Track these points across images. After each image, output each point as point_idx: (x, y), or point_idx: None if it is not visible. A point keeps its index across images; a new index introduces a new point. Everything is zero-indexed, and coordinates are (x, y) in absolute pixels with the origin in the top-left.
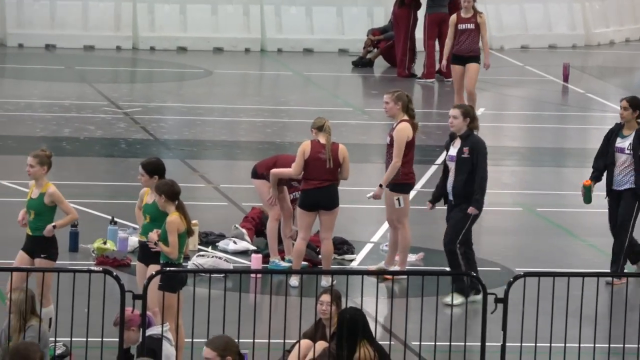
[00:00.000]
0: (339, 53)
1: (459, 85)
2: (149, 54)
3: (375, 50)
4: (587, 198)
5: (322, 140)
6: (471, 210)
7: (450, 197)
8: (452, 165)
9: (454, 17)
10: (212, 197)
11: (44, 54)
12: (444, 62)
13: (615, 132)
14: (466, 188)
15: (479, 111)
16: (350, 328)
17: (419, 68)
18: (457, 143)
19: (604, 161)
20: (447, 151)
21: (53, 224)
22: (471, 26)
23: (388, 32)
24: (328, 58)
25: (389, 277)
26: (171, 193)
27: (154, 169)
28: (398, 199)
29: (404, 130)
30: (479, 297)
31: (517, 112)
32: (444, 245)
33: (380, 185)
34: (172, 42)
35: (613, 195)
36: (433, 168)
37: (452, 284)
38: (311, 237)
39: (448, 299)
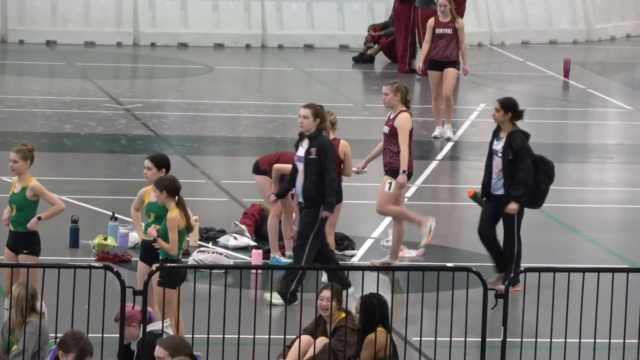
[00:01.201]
0: (340, 49)
1: (436, 92)
2: (150, 50)
3: (376, 46)
4: (480, 204)
5: (330, 135)
6: (325, 214)
7: (300, 199)
8: (300, 166)
9: (431, 20)
10: (213, 192)
11: (45, 50)
12: (421, 64)
13: (495, 133)
14: (317, 190)
15: (480, 107)
16: (370, 313)
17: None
18: (305, 143)
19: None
20: (296, 151)
21: (38, 216)
22: (449, 31)
23: (389, 28)
24: (329, 54)
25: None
26: (172, 189)
27: (163, 162)
28: (390, 183)
29: (407, 119)
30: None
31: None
32: (294, 248)
33: (404, 172)
34: (173, 38)
35: (491, 198)
36: (434, 164)
37: (271, 281)
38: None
39: (268, 295)
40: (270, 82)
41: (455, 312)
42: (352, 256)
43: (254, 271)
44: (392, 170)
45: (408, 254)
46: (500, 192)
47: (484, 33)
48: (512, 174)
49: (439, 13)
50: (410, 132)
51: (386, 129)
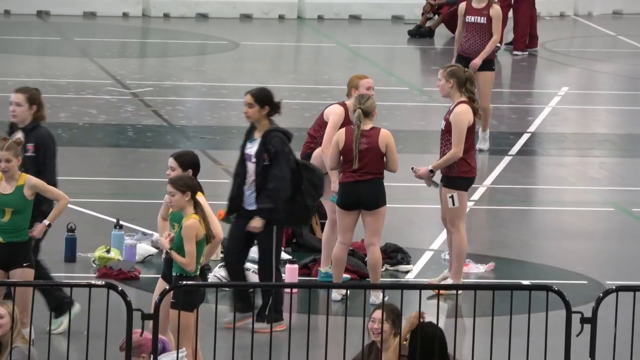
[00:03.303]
0: (393, 20)
1: None
2: (162, 22)
3: (437, 17)
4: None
5: (368, 124)
6: (255, 223)
7: (251, 208)
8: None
9: (462, 5)
10: None
11: (35, 22)
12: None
13: (248, 134)
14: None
15: (562, 90)
16: (428, 345)
17: None
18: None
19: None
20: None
21: (46, 221)
22: (482, 20)
23: None
24: (379, 26)
25: (444, 292)
26: (195, 189)
27: (191, 161)
28: (452, 197)
29: (464, 113)
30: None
31: (607, 92)
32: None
33: (431, 171)
34: (191, 7)
35: (242, 214)
36: (506, 160)
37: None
38: (357, 243)
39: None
40: (308, 61)
41: (533, 340)
42: (407, 272)
43: (287, 290)
44: (450, 179)
45: (475, 269)
46: (255, 207)
47: (567, 1)
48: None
49: None
50: (470, 129)
51: (442, 124)
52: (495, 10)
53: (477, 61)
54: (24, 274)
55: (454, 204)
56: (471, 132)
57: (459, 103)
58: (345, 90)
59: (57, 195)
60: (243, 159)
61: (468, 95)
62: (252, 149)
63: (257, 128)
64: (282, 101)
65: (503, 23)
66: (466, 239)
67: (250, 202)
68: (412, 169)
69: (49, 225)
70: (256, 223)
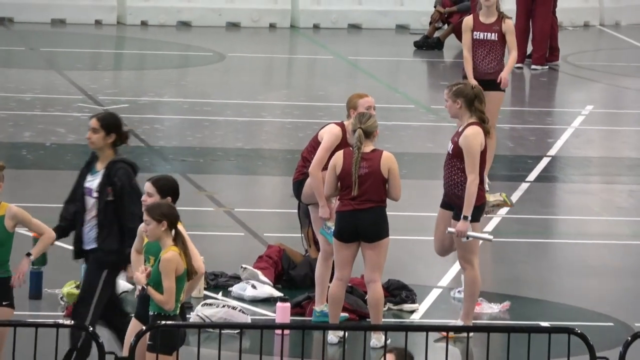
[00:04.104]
0: (397, 30)
1: None
2: (139, 30)
3: (446, 26)
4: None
5: (368, 147)
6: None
7: (88, 247)
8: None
9: (469, 20)
10: (224, 224)
11: None
12: (473, 81)
13: (88, 164)
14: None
15: (586, 109)
16: None
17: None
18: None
19: (75, 207)
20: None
21: (29, 253)
22: (493, 36)
23: (463, 2)
24: (382, 37)
25: (453, 334)
26: (175, 218)
27: (170, 187)
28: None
29: (475, 135)
30: None
31: (636, 111)
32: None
33: (465, 218)
34: (172, 14)
35: (81, 254)
36: (523, 187)
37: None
38: (356, 279)
39: None
40: (302, 75)
41: None
42: (412, 312)
43: (278, 331)
44: (455, 208)
45: (488, 309)
46: (92, 245)
47: (592, 9)
48: (110, 222)
49: (480, 9)
50: (482, 154)
51: (449, 146)
52: (508, 25)
53: (506, 75)
54: (3, 313)
55: (467, 239)
56: (483, 156)
57: (469, 125)
58: (343, 107)
59: (41, 228)
60: (82, 193)
61: (477, 115)
62: (93, 182)
63: (100, 158)
64: (130, 131)
65: (523, 35)
66: (479, 276)
67: (89, 240)
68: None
69: (31, 258)
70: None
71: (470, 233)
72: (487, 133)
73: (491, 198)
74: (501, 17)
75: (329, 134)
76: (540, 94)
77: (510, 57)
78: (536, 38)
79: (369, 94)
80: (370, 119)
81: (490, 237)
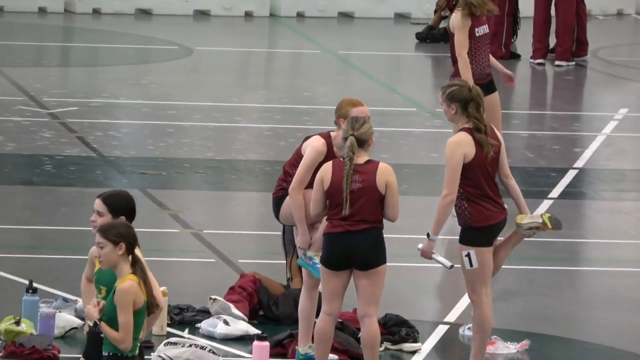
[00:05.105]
0: (396, 20)
1: None
2: (91, 20)
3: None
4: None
5: (362, 157)
6: None
7: None
8: None
9: (459, 16)
10: (191, 249)
11: None
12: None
13: None
14: None
15: (619, 113)
16: None
17: (524, 45)
18: None
19: None
20: None
21: None
22: (487, 29)
23: None
24: (379, 27)
25: None
26: (134, 240)
27: (124, 205)
28: (468, 256)
29: (457, 144)
30: None
31: None
32: None
33: (428, 235)
34: (129, 1)
35: None
36: (546, 204)
37: None
38: (347, 314)
39: None
40: (284, 72)
41: None
42: (414, 352)
43: None
44: (463, 232)
45: (504, 349)
46: None
47: None
48: None
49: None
50: (475, 163)
51: None
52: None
53: (510, 72)
54: None
55: (471, 265)
56: (479, 167)
57: (459, 131)
58: (332, 111)
59: None
60: None
61: (473, 122)
62: None
63: None
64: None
65: (544, 27)
66: (490, 311)
67: None
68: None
69: None
70: None
71: (433, 256)
72: (482, 145)
73: (525, 220)
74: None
75: (311, 149)
76: (565, 95)
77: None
78: (560, 29)
79: (363, 100)
80: (364, 125)
81: (448, 264)
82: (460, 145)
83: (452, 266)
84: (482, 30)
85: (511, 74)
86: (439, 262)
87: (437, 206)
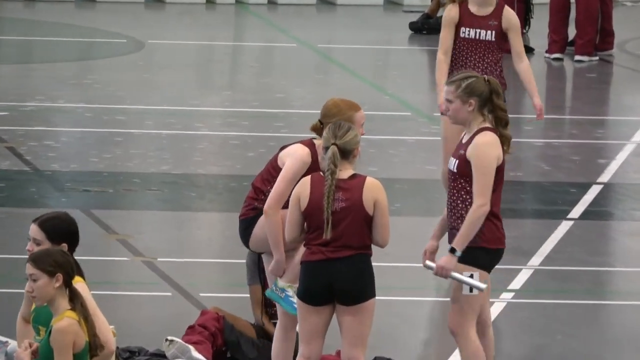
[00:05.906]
0: (387, 7)
1: (447, 152)
2: (22, 7)
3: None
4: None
5: (347, 170)
6: None
7: None
8: None
9: (453, 11)
10: (143, 280)
11: None
12: (441, 100)
13: None
14: None
15: None
16: None
17: (538, 36)
18: None
19: None
20: None
21: None
22: (489, 36)
23: None
24: (366, 16)
25: None
26: (72, 270)
27: (64, 229)
28: (472, 276)
29: (490, 144)
30: None
31: None
32: None
33: (453, 251)
34: None
35: None
36: (565, 226)
37: None
38: (330, 357)
39: None
40: (252, 69)
41: None
42: None
43: None
44: (469, 250)
45: None
46: None
47: None
48: None
49: None
50: (499, 169)
51: (453, 163)
52: (508, 18)
53: (538, 102)
54: None
55: (471, 290)
56: (501, 177)
57: (481, 130)
58: (309, 116)
59: None
60: None
61: (497, 115)
62: None
63: None
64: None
65: (561, 15)
66: (480, 348)
67: None
68: (426, 267)
69: None
70: None
71: (454, 274)
72: (507, 143)
73: None
74: (500, 8)
75: (294, 158)
76: (587, 96)
77: (527, 67)
78: (580, 18)
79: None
80: (349, 132)
81: (484, 286)
82: (494, 146)
83: (484, 287)
84: (474, 33)
85: (541, 106)
86: (464, 282)
87: (469, 218)
